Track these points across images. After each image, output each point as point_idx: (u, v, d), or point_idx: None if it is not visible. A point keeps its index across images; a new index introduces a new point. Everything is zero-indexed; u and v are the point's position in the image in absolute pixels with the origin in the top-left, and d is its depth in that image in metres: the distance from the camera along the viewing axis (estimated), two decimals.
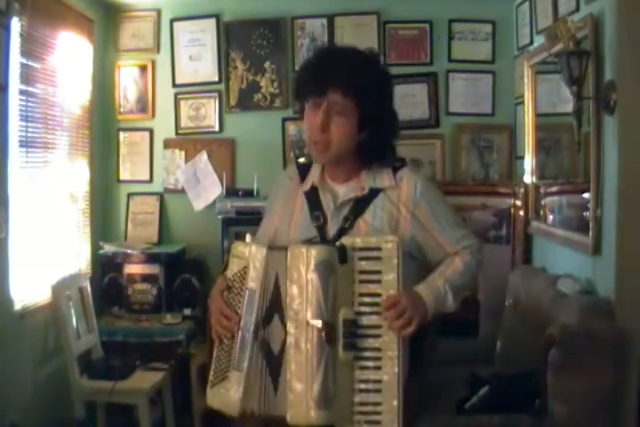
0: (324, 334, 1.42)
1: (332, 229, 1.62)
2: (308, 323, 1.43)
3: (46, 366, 3.14)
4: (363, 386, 1.46)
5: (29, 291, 3.04)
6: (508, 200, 3.72)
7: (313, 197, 1.68)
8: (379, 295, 1.48)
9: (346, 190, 1.66)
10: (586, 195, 2.71)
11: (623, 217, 2.41)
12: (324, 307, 1.44)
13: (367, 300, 1.48)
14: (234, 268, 1.57)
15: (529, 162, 3.52)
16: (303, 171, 1.74)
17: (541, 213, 3.43)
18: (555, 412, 2.26)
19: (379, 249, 1.49)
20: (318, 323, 1.43)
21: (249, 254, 1.54)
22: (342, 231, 1.60)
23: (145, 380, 3.17)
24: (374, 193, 1.64)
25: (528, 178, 3.56)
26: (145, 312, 3.60)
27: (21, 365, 2.95)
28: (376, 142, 1.64)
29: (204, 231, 3.86)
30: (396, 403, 1.45)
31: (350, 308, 1.47)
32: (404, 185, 1.65)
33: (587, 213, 2.70)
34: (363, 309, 1.48)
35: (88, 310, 3.31)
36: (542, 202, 3.42)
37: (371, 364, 1.47)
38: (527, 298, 2.95)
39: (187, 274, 3.69)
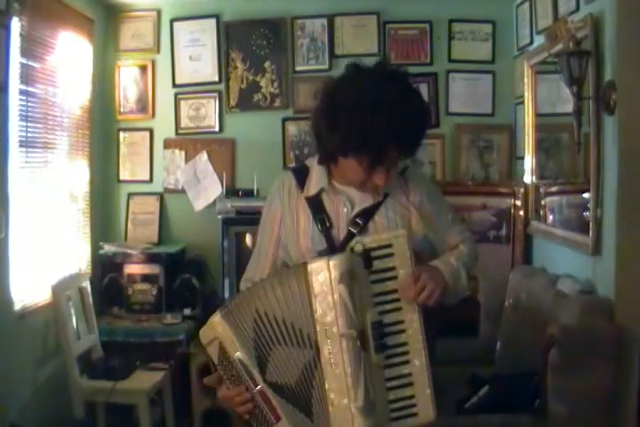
0: (358, 342, 1.42)
1: (341, 232, 1.63)
2: (340, 335, 1.43)
3: (46, 366, 3.14)
4: (395, 383, 1.47)
5: (29, 291, 3.04)
6: (507, 200, 3.72)
7: (315, 201, 1.67)
8: (397, 291, 1.50)
9: (361, 196, 1.66)
10: (586, 195, 2.71)
11: (623, 217, 2.41)
12: (354, 315, 1.43)
13: (386, 298, 1.49)
14: (214, 354, 1.55)
15: (529, 162, 3.52)
16: (300, 178, 1.71)
17: (541, 213, 3.43)
18: (555, 412, 2.26)
19: (390, 246, 1.50)
20: (352, 333, 1.42)
21: (213, 333, 1.54)
22: (351, 236, 1.60)
23: (145, 380, 3.17)
24: (384, 196, 1.67)
25: (528, 178, 3.56)
26: (145, 312, 3.60)
27: (21, 365, 2.95)
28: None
29: (204, 231, 3.86)
30: (428, 392, 1.47)
31: (374, 309, 1.47)
32: (411, 186, 1.69)
33: (587, 213, 2.70)
34: (384, 307, 1.49)
35: (88, 310, 3.31)
36: (542, 202, 3.42)
37: (399, 360, 1.48)
38: (527, 298, 2.95)
39: (187, 274, 3.69)
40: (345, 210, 1.65)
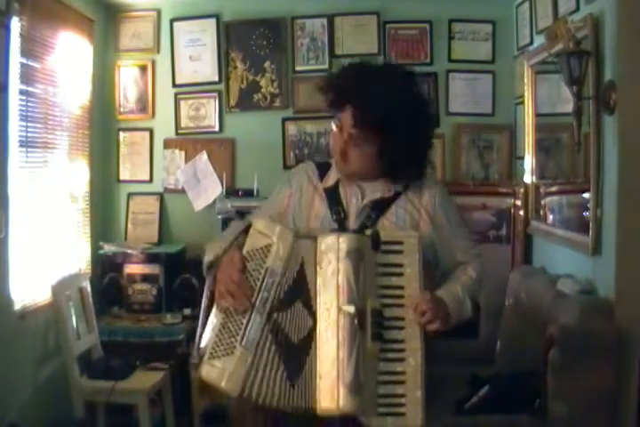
0: (356, 320, 1.43)
1: (353, 224, 1.65)
2: (340, 309, 1.44)
3: (46, 366, 3.14)
4: (387, 378, 1.47)
5: (29, 291, 3.04)
6: (507, 200, 3.72)
7: (333, 193, 1.70)
8: (401, 288, 1.51)
9: (373, 188, 1.69)
10: (586, 195, 2.71)
11: (623, 217, 2.41)
12: (356, 293, 1.45)
13: (389, 292, 1.51)
14: (255, 243, 1.53)
15: (529, 162, 3.52)
16: (322, 170, 1.76)
17: (541, 213, 3.43)
18: (555, 412, 2.26)
19: (401, 243, 1.52)
20: (351, 309, 1.44)
21: (275, 234, 1.52)
22: (364, 227, 1.62)
23: (145, 380, 3.17)
24: (397, 194, 1.69)
25: (528, 178, 3.56)
26: (145, 312, 3.60)
27: (21, 365, 2.95)
28: (399, 166, 1.65)
29: (204, 231, 3.84)
30: (419, 394, 1.47)
31: (376, 298, 1.48)
32: (426, 191, 1.71)
33: (587, 213, 2.70)
34: (386, 301, 1.50)
35: (88, 309, 3.31)
36: (542, 202, 3.42)
37: (394, 356, 1.48)
38: (527, 298, 2.95)
39: (187, 274, 3.69)
40: (354, 200, 1.69)
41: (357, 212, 1.66)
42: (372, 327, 1.45)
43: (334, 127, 1.65)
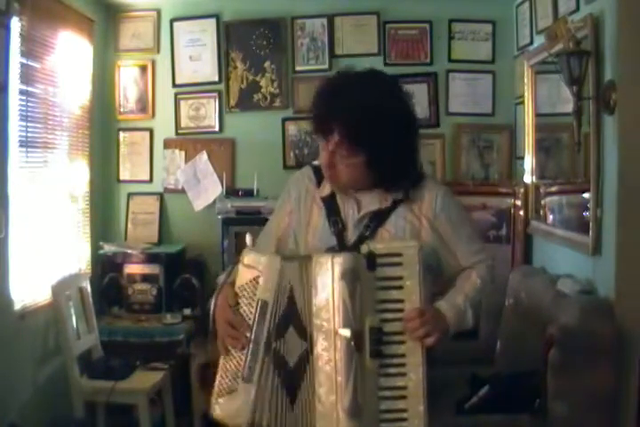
0: (352, 343, 1.42)
1: (351, 236, 1.62)
2: (336, 332, 1.42)
3: (46, 366, 3.14)
4: (388, 393, 1.46)
5: (29, 291, 3.04)
6: (507, 200, 3.73)
7: (331, 203, 1.67)
8: (401, 301, 1.48)
9: (369, 199, 1.65)
10: (586, 195, 2.71)
11: (623, 217, 2.41)
12: (352, 315, 1.42)
13: (389, 306, 1.48)
14: (244, 277, 1.54)
15: (529, 162, 3.52)
16: (319, 175, 1.71)
17: (541, 213, 3.43)
18: (555, 412, 2.26)
19: (400, 255, 1.48)
20: (347, 332, 1.42)
21: (262, 264, 1.52)
22: (362, 239, 1.60)
23: (145, 380, 3.17)
24: (396, 203, 1.64)
25: (528, 178, 3.56)
26: (145, 312, 3.60)
27: (21, 365, 2.95)
28: (389, 174, 1.61)
29: (204, 231, 3.86)
30: (422, 408, 1.45)
31: (375, 315, 1.46)
32: (426, 197, 1.66)
33: (587, 213, 2.70)
34: (385, 315, 1.47)
35: (88, 310, 3.31)
36: (542, 202, 3.42)
37: (395, 371, 1.46)
38: (527, 298, 2.95)
39: (187, 274, 3.69)
40: (351, 211, 1.65)
41: (355, 223, 1.63)
42: (370, 345, 1.43)
43: (320, 141, 1.62)
